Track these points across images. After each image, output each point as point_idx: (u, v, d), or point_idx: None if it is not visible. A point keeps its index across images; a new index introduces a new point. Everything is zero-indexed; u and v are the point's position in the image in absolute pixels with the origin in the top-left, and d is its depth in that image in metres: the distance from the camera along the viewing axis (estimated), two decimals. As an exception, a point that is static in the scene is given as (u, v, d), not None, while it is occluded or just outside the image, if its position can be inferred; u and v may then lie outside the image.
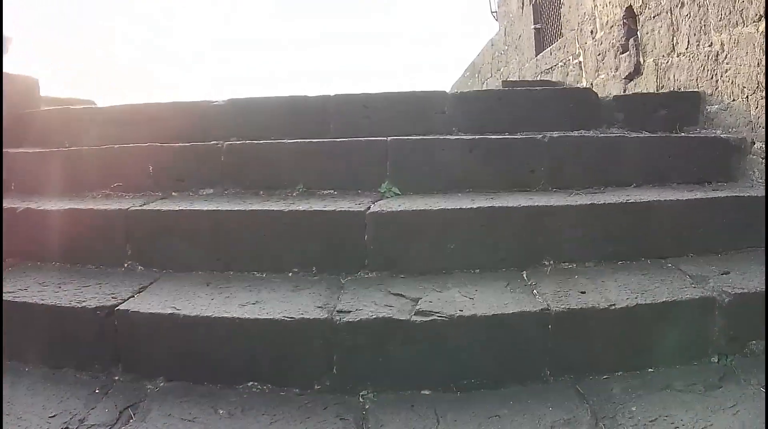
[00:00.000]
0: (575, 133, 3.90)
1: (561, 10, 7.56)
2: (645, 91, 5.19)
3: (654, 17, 5.16)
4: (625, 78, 5.74)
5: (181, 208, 3.07)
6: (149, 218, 3.08)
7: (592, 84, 6.55)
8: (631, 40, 5.57)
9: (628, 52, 5.64)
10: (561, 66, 7.51)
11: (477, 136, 3.55)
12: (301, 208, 3.00)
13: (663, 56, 5.03)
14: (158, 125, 4.01)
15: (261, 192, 3.48)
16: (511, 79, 9.34)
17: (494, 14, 11.40)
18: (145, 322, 2.49)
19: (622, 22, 5.81)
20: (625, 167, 3.64)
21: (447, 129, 3.94)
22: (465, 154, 3.48)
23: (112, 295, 2.67)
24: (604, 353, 2.52)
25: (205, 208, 3.04)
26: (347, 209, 2.95)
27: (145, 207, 3.16)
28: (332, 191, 3.45)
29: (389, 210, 2.94)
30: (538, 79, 8.35)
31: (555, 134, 3.62)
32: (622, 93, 5.77)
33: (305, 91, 4.18)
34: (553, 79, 7.72)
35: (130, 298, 2.66)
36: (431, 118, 3.96)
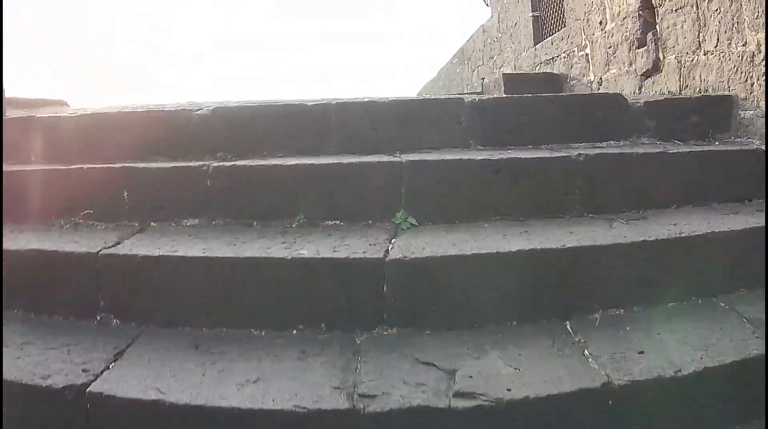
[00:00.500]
0: (605, 146, 3.56)
1: (564, -3, 7.11)
2: (672, 94, 4.80)
3: (676, 11, 4.73)
4: (641, 75, 5.32)
5: (161, 253, 2.56)
6: (123, 264, 2.59)
7: (601, 79, 6.13)
8: (650, 35, 5.13)
9: (645, 47, 5.21)
10: (564, 57, 7.06)
11: (504, 156, 3.09)
12: (305, 253, 2.52)
13: (687, 53, 4.62)
14: (133, 137, 3.51)
15: (255, 223, 2.99)
16: (509, 71, 8.88)
17: (486, 0, 10.88)
18: (123, 409, 2.02)
19: (637, 14, 5.38)
20: (663, 186, 3.25)
21: (464, 142, 3.50)
22: (491, 176, 3.03)
23: (83, 367, 2.19)
24: (663, 423, 2.13)
25: (191, 255, 2.54)
26: (362, 256, 2.47)
27: (118, 249, 2.66)
28: (338, 222, 2.97)
29: (413, 256, 2.47)
30: (537, 70, 7.90)
31: (590, 152, 3.20)
32: (638, 90, 5.39)
33: (303, 97, 3.68)
34: (555, 71, 7.27)
35: (104, 371, 2.18)
36: (446, 129, 3.51)
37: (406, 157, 3.09)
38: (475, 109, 3.53)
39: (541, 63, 7.83)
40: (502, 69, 9.47)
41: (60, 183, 3.19)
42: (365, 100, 3.52)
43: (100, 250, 2.62)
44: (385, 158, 3.10)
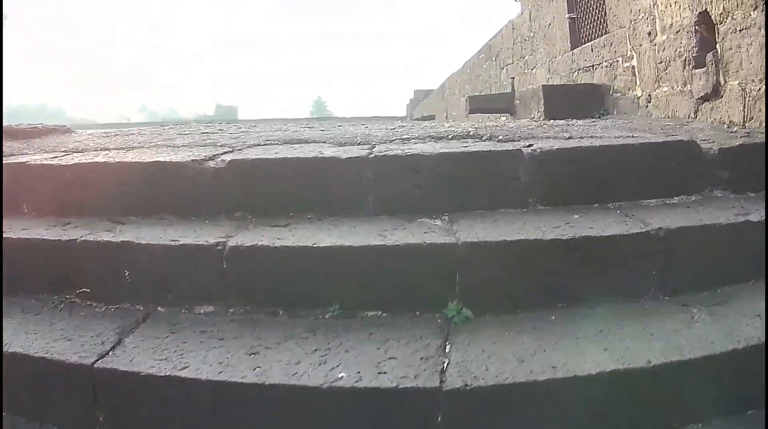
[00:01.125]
0: (677, 202, 3.18)
1: (606, 1, 6.58)
2: (734, 124, 4.33)
3: (740, 31, 4.24)
4: (699, 98, 4.84)
5: (169, 372, 2.09)
6: (123, 381, 2.15)
7: (650, 96, 5.65)
8: (709, 55, 4.64)
9: (704, 68, 4.71)
10: (606, 67, 6.56)
11: (576, 234, 2.60)
12: (343, 377, 2.04)
13: (753, 81, 4.14)
14: (137, 191, 3.11)
15: (280, 311, 2.54)
16: (542, 74, 8.42)
17: (514, -5, 10.34)
18: None
19: (693, 29, 4.88)
20: (743, 259, 2.80)
21: (522, 201, 3.04)
22: (560, 259, 2.58)
23: None
24: None
25: (204, 378, 2.08)
26: (414, 386, 2.00)
27: (116, 357, 2.22)
28: (380, 313, 2.52)
29: (475, 385, 2.01)
30: (575, 77, 7.43)
31: (670, 225, 2.72)
32: (693, 115, 4.94)
33: (333, 150, 3.22)
34: (596, 81, 6.79)
35: None
36: (503, 187, 3.06)
37: (462, 236, 2.60)
38: (534, 164, 3.06)
39: (579, 70, 7.33)
40: (534, 71, 8.98)
41: (53, 255, 2.77)
42: (408, 154, 3.04)
43: (96, 362, 2.18)
44: (437, 237, 2.60)
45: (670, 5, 5.18)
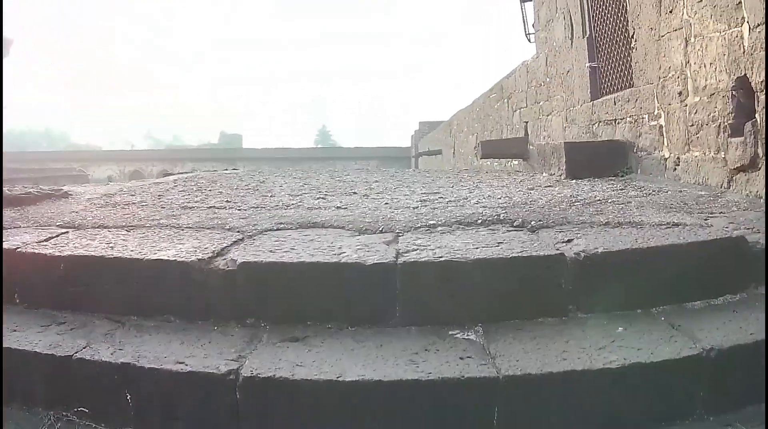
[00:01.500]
0: (721, 303, 2.93)
1: (632, 54, 6.34)
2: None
3: (784, 102, 4.02)
4: (734, 169, 4.60)
5: None
6: None
7: (678, 158, 5.41)
8: (748, 124, 4.40)
9: (741, 138, 4.48)
10: (630, 122, 6.31)
11: (626, 361, 2.34)
12: None
13: (797, 157, 3.92)
14: (133, 292, 2.86)
15: (301, 447, 2.27)
16: (559, 122, 8.19)
17: (529, 37, 10.08)
18: None
19: (729, 93, 4.65)
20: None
21: (562, 308, 2.78)
22: (609, 389, 2.34)
23: None
24: None
25: None
26: None
27: None
28: (414, 450, 2.25)
29: None
30: (595, 129, 7.18)
31: (722, 343, 2.49)
32: (726, 184, 4.76)
33: (354, 244, 2.98)
34: (618, 136, 6.55)
35: None
36: (543, 294, 2.81)
37: (501, 364, 2.30)
38: (577, 269, 2.79)
39: (600, 122, 7.08)
40: (550, 118, 8.74)
41: (46, 369, 2.50)
42: (441, 260, 2.77)
43: None
44: (475, 367, 2.28)
45: (705, 66, 4.94)
